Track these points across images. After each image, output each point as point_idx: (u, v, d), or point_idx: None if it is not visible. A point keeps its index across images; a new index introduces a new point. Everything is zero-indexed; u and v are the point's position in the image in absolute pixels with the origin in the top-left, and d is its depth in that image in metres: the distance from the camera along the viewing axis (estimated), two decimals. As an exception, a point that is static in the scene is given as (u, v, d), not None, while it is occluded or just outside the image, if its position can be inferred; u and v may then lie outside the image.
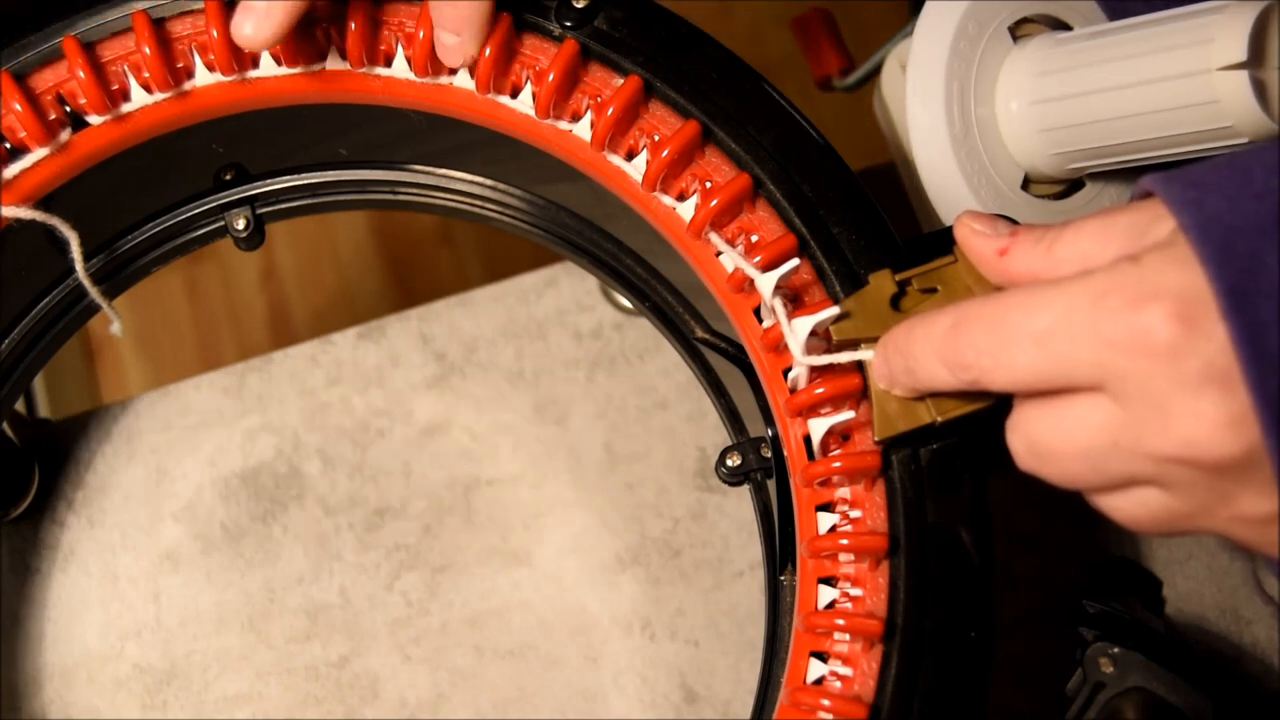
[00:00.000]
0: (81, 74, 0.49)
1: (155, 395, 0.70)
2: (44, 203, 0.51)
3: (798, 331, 0.45)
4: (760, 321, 0.48)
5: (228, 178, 0.59)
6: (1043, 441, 0.38)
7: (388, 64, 0.51)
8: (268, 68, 0.51)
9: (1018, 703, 0.62)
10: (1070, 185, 0.57)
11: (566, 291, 0.71)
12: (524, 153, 0.52)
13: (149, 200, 0.59)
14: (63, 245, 0.51)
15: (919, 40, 0.56)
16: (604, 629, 0.65)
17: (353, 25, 0.49)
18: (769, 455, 0.51)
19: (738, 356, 0.53)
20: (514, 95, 0.50)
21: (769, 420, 0.49)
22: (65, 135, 0.50)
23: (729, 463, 0.52)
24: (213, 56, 0.50)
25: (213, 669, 0.66)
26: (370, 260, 1.36)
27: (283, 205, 0.60)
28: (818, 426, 0.46)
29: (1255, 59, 0.46)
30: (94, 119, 0.51)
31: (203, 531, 0.68)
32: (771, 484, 0.51)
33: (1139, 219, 0.37)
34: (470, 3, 0.47)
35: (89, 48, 0.50)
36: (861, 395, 0.46)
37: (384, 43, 0.50)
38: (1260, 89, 0.46)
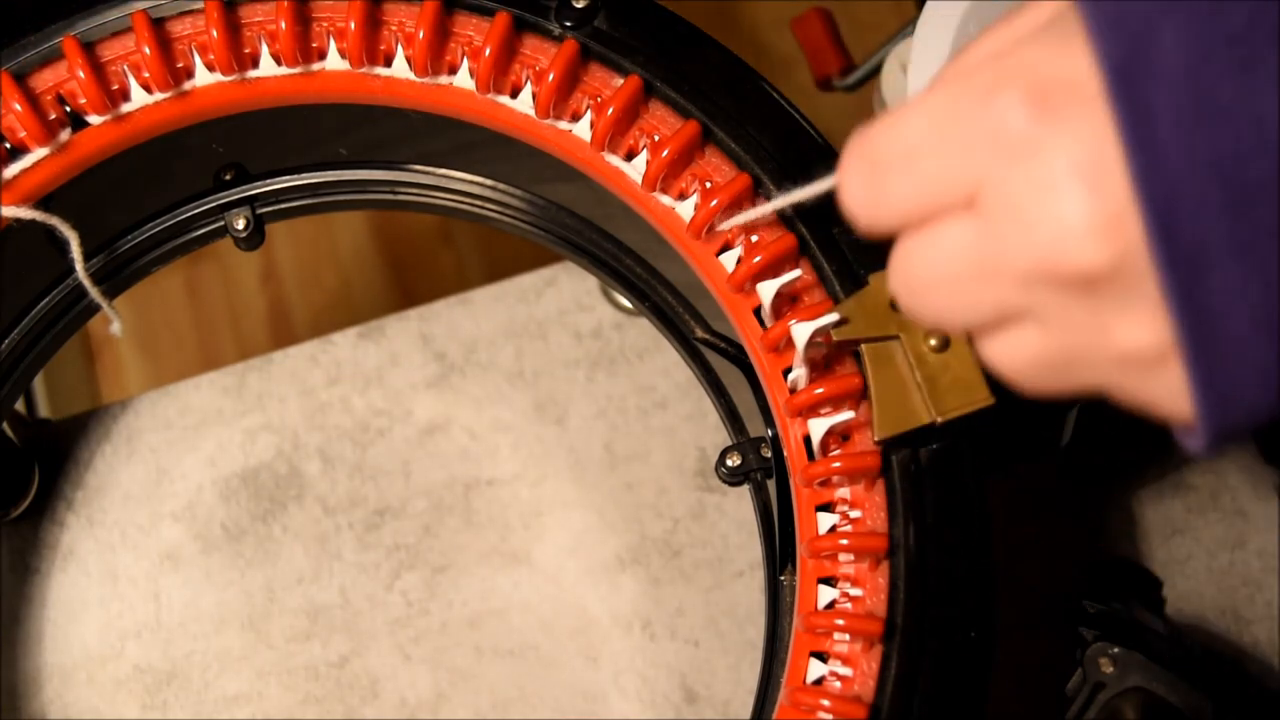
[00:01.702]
0: (81, 74, 0.49)
1: (155, 395, 0.70)
2: (44, 202, 0.51)
3: (797, 337, 0.45)
4: (761, 323, 0.48)
5: (228, 178, 0.59)
6: (912, 274, 0.33)
7: (388, 64, 0.51)
8: (268, 68, 0.51)
9: (1018, 703, 0.62)
10: (1070, 185, 0.57)
11: (566, 291, 0.71)
12: (524, 153, 0.52)
13: (149, 200, 0.59)
14: (63, 245, 0.51)
15: (919, 40, 0.55)
16: (604, 629, 0.65)
17: (352, 25, 0.49)
18: (769, 455, 0.51)
19: (738, 356, 0.53)
20: (514, 95, 0.50)
21: (769, 420, 0.49)
22: (65, 135, 0.50)
23: (729, 463, 0.52)
24: (212, 56, 0.50)
25: (213, 669, 0.66)
26: (370, 260, 1.36)
27: (283, 205, 0.60)
28: (818, 427, 0.46)
29: (1255, 59, 0.46)
30: (94, 119, 0.51)
31: (203, 531, 0.68)
32: (771, 484, 0.51)
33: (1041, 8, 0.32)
34: None
35: (89, 48, 0.50)
36: (861, 395, 0.46)
37: (384, 42, 0.50)
38: (1260, 89, 0.46)
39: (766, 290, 0.46)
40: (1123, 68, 0.28)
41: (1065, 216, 0.29)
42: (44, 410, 1.15)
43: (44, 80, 0.50)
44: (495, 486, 0.68)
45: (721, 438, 0.55)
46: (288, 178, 0.59)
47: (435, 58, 0.50)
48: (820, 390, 0.45)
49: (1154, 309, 0.29)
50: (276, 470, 0.69)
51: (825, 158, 0.49)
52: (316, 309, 1.35)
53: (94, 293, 0.54)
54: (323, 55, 0.51)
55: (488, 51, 0.49)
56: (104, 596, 0.67)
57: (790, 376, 0.47)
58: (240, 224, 0.59)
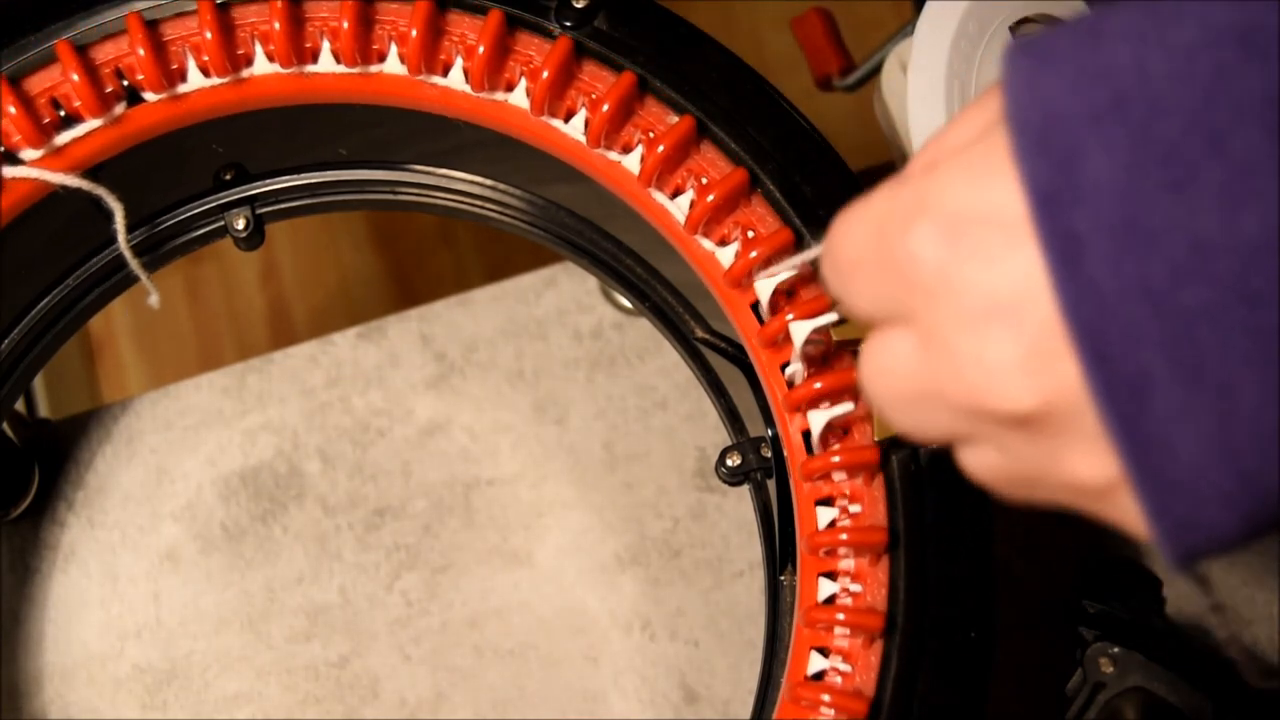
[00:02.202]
0: (141, 51, 0.50)
1: (155, 395, 0.70)
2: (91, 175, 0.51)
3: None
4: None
5: (228, 178, 0.59)
6: (868, 382, 0.33)
7: (445, 74, 0.51)
8: (326, 64, 0.51)
9: (1018, 703, 0.62)
10: (1070, 185, 0.57)
11: (566, 291, 0.71)
12: (524, 153, 0.52)
13: (149, 200, 0.59)
14: (99, 219, 0.51)
15: (920, 40, 0.55)
16: (604, 629, 0.65)
17: (414, 32, 0.49)
18: (769, 455, 0.51)
19: (738, 356, 0.53)
20: (567, 120, 0.50)
21: (769, 420, 0.50)
22: (120, 109, 0.51)
23: (729, 463, 0.52)
24: (273, 47, 0.50)
25: (213, 669, 0.66)
26: (370, 260, 1.36)
27: (283, 205, 0.60)
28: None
29: (1255, 59, 0.46)
30: (150, 96, 0.51)
31: (203, 531, 0.68)
32: (771, 484, 0.51)
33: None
34: None
35: (152, 25, 0.50)
36: (860, 390, 0.46)
37: (444, 52, 0.50)
38: (1260, 89, 0.46)
39: (798, 329, 0.46)
40: (1049, 193, 0.27)
41: (989, 357, 0.28)
42: (44, 410, 1.14)
43: (105, 53, 0.51)
44: (495, 486, 0.68)
45: (721, 438, 0.55)
46: (288, 178, 0.59)
47: (493, 73, 0.49)
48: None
49: (1100, 442, 0.28)
50: (276, 470, 0.69)
51: (825, 158, 0.49)
52: (316, 309, 1.35)
53: (134, 264, 0.55)
54: (382, 58, 0.51)
55: (545, 75, 0.49)
56: (104, 596, 0.67)
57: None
58: (240, 224, 0.59)
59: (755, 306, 0.48)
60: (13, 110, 0.49)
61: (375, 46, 0.50)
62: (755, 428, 0.53)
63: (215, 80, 0.51)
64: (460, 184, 0.59)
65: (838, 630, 0.45)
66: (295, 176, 0.59)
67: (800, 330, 0.45)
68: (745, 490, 0.54)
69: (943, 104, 0.55)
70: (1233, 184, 0.26)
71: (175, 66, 0.51)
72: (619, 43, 0.50)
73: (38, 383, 1.14)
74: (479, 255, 1.36)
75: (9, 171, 0.50)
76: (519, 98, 0.50)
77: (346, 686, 0.65)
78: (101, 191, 0.51)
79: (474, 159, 0.58)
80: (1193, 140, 0.26)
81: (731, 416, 0.55)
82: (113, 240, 0.58)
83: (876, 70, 0.63)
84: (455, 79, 0.50)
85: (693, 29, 0.51)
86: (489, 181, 0.59)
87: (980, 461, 0.32)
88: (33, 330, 0.58)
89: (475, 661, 0.65)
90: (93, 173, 0.52)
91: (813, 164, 0.49)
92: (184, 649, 0.66)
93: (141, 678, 0.66)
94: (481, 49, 0.49)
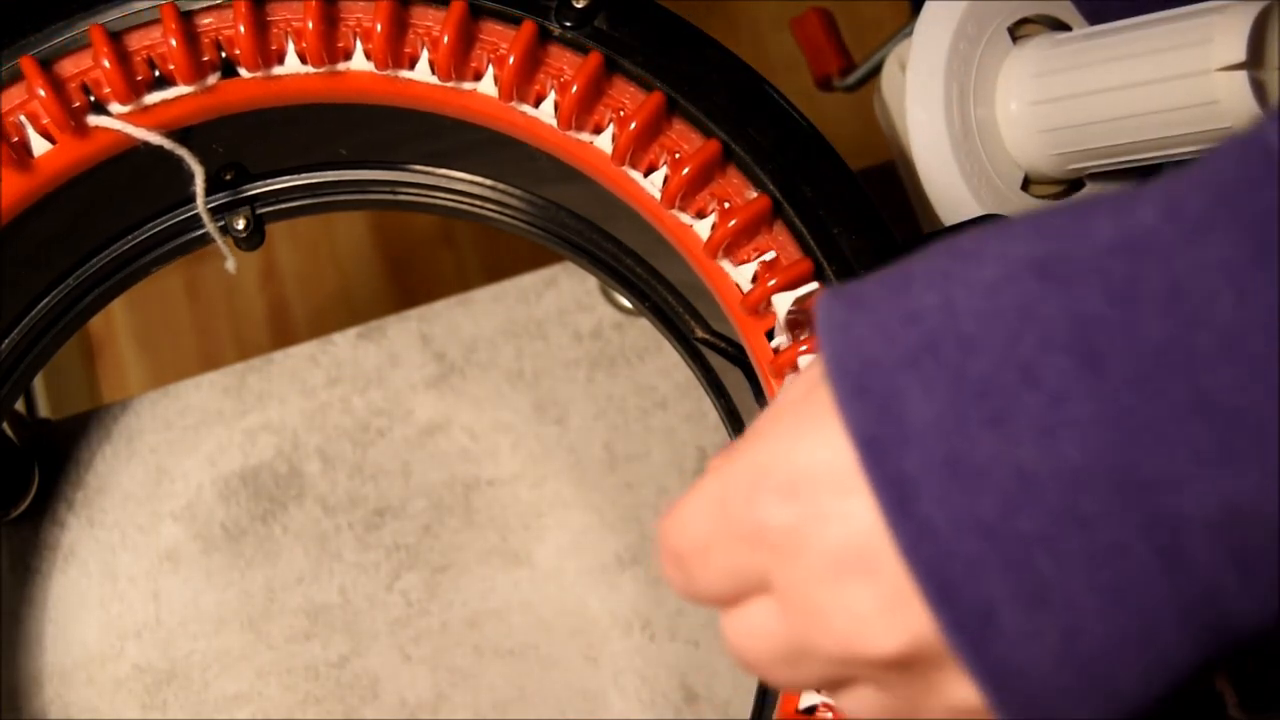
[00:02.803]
0: (242, 29, 0.50)
1: (155, 395, 0.70)
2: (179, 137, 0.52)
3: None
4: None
5: (228, 178, 0.59)
6: (737, 650, 0.33)
7: (536, 104, 0.51)
8: (421, 72, 0.51)
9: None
10: (1070, 185, 0.57)
11: (566, 291, 0.71)
12: (524, 153, 0.52)
13: (149, 200, 0.59)
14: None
15: (918, 40, 0.56)
16: (604, 629, 0.65)
17: (511, 58, 0.49)
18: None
19: (738, 356, 0.53)
20: (647, 174, 0.50)
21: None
22: (213, 79, 0.51)
23: (729, 463, 0.52)
24: (371, 46, 0.50)
25: (213, 669, 0.66)
26: (370, 260, 1.36)
27: (283, 205, 0.60)
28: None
29: (1254, 59, 0.46)
30: (244, 72, 0.51)
31: (203, 531, 0.68)
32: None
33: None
34: None
35: (259, 4, 0.50)
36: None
37: (538, 83, 0.50)
38: (1260, 89, 0.46)
39: (780, 301, 0.46)
40: (873, 438, 0.27)
41: (850, 606, 0.29)
42: (44, 410, 1.14)
43: (208, 22, 0.51)
44: (495, 486, 0.68)
45: (721, 438, 0.55)
46: (288, 178, 0.59)
47: (582, 113, 0.50)
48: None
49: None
50: (276, 470, 0.69)
51: (825, 158, 0.49)
52: (316, 309, 1.35)
53: (211, 228, 0.56)
54: (478, 76, 0.50)
55: (633, 125, 0.48)
56: (104, 596, 0.67)
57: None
58: (240, 224, 0.59)
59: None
60: (106, 64, 0.49)
61: (473, 64, 0.50)
62: (755, 428, 0.53)
63: (310, 69, 0.51)
64: (460, 184, 0.59)
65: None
66: (295, 176, 0.59)
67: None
68: (745, 490, 0.54)
69: (941, 104, 0.55)
70: (1047, 414, 0.26)
71: (274, 48, 0.51)
72: (619, 43, 0.50)
73: (38, 383, 1.14)
74: (479, 255, 1.36)
75: (94, 120, 0.50)
76: (604, 141, 0.50)
77: (346, 686, 0.65)
78: (183, 152, 0.51)
79: (474, 159, 0.58)
80: (1004, 375, 0.27)
81: (731, 416, 0.55)
82: (112, 240, 0.59)
83: (876, 70, 0.63)
84: (545, 111, 0.50)
85: (693, 29, 0.51)
86: (489, 181, 0.59)
87: (860, 700, 0.32)
88: (33, 330, 0.58)
89: (475, 661, 0.65)
90: (180, 135, 0.52)
91: (813, 164, 0.49)
92: (184, 649, 0.66)
93: (141, 678, 0.66)
94: (575, 88, 0.49)
